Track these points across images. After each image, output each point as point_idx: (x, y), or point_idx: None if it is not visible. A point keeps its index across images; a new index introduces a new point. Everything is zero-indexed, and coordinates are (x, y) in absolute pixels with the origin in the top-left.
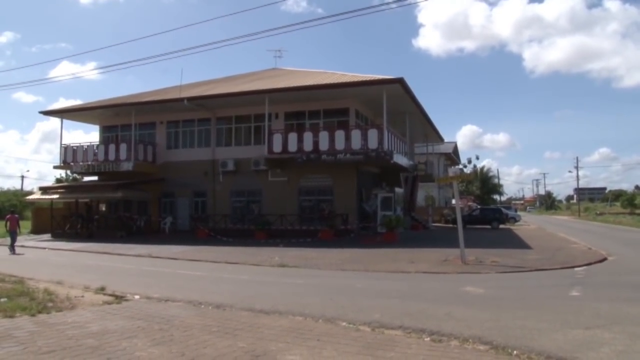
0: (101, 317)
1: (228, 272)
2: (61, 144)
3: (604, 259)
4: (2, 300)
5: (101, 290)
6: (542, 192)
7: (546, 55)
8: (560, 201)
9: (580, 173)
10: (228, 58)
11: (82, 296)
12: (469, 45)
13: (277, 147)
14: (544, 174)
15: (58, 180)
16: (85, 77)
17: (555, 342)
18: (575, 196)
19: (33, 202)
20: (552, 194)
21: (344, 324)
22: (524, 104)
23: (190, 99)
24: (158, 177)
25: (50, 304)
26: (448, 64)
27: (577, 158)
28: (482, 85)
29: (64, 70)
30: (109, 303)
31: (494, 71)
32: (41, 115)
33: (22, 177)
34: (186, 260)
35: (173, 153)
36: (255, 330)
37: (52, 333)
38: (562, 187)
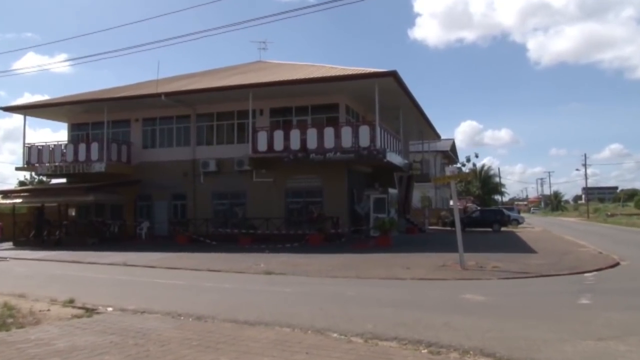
0: (69, 332)
1: (210, 281)
2: (24, 144)
3: (616, 264)
4: None
5: (70, 302)
6: (547, 192)
7: (552, 45)
8: (567, 202)
9: (589, 171)
10: (209, 50)
11: (48, 310)
12: (469, 35)
13: (262, 145)
14: (549, 172)
15: (21, 183)
16: (54, 70)
17: (564, 354)
18: (583, 196)
19: None
20: (559, 194)
21: (334, 335)
22: (528, 97)
23: (167, 94)
24: (133, 178)
25: (10, 320)
26: (446, 56)
27: (585, 155)
28: (483, 78)
29: (29, 62)
30: (78, 317)
31: (496, 63)
32: (2, 111)
33: None
34: (164, 269)
35: (150, 153)
36: (239, 344)
37: (11, 352)
38: (569, 186)
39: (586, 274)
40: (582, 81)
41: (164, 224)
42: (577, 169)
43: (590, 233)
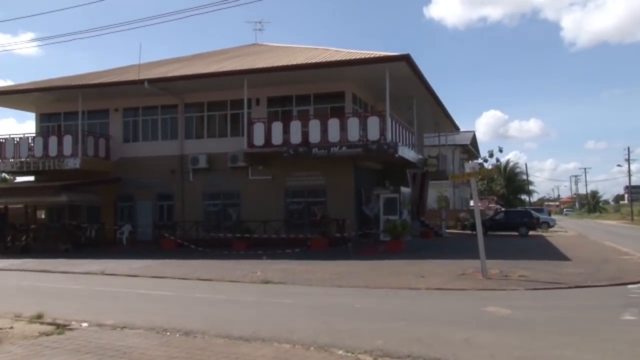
0: (36, 353)
1: (200, 291)
2: None
3: None
4: None
5: (38, 318)
6: (582, 191)
7: (591, 23)
8: (606, 202)
9: (634, 167)
10: (198, 32)
11: (11, 327)
12: (494, 12)
13: (259, 139)
14: (586, 169)
15: None
16: (19, 52)
17: None
18: (626, 196)
19: None
20: (597, 193)
21: (340, 352)
22: (561, 83)
23: (151, 81)
24: (113, 176)
25: None
26: (467, 37)
27: (628, 149)
28: (509, 62)
29: None
30: (47, 334)
31: (525, 44)
32: None
33: None
34: (149, 278)
35: (131, 147)
36: None
37: None
38: (609, 185)
39: (630, 286)
40: (627, 64)
41: (148, 228)
42: (618, 165)
43: (634, 238)
